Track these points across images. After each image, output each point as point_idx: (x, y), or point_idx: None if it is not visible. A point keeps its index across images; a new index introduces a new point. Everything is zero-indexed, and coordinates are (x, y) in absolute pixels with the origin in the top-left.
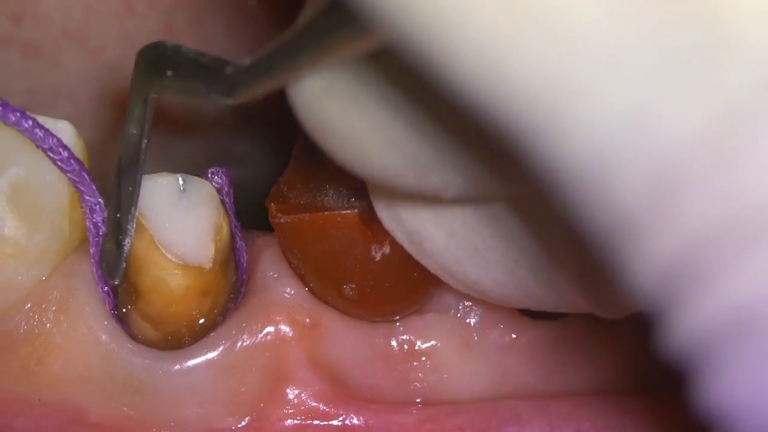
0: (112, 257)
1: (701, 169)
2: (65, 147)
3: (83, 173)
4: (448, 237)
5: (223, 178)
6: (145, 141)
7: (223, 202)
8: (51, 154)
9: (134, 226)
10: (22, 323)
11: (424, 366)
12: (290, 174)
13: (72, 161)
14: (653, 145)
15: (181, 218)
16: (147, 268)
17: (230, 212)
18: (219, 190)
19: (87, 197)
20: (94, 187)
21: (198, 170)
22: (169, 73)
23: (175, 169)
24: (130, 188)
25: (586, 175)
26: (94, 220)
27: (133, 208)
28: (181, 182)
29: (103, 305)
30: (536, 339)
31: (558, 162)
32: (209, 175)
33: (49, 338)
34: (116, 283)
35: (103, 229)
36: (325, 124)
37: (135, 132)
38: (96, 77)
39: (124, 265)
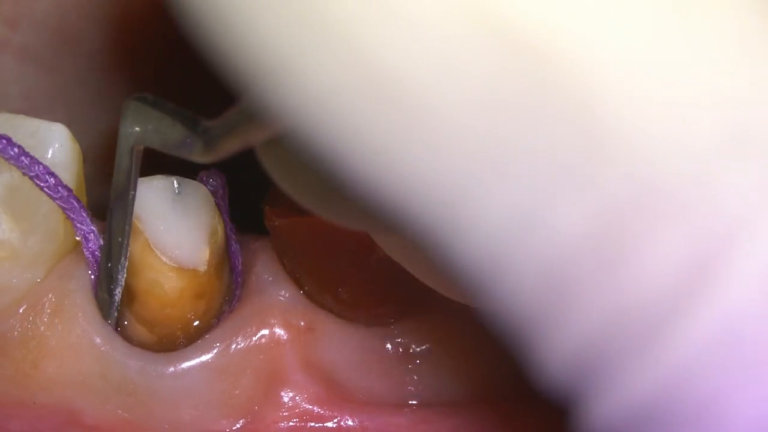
0: (104, 305)
1: (589, 268)
2: (52, 174)
3: (72, 200)
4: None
5: (218, 180)
6: (133, 192)
7: (218, 205)
8: (38, 182)
9: (125, 276)
10: (17, 326)
11: (419, 368)
12: None
13: (60, 188)
14: (542, 246)
15: (176, 221)
16: (142, 271)
17: (225, 215)
18: (214, 193)
19: (78, 225)
20: (84, 214)
21: (193, 173)
22: (150, 126)
23: (169, 172)
24: (120, 239)
25: (483, 274)
26: (90, 248)
27: (123, 259)
28: (176, 185)
29: (98, 308)
30: None
31: (456, 259)
32: (204, 178)
33: (43, 341)
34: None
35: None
36: (288, 187)
37: (123, 183)
38: (92, 82)
39: (117, 313)
